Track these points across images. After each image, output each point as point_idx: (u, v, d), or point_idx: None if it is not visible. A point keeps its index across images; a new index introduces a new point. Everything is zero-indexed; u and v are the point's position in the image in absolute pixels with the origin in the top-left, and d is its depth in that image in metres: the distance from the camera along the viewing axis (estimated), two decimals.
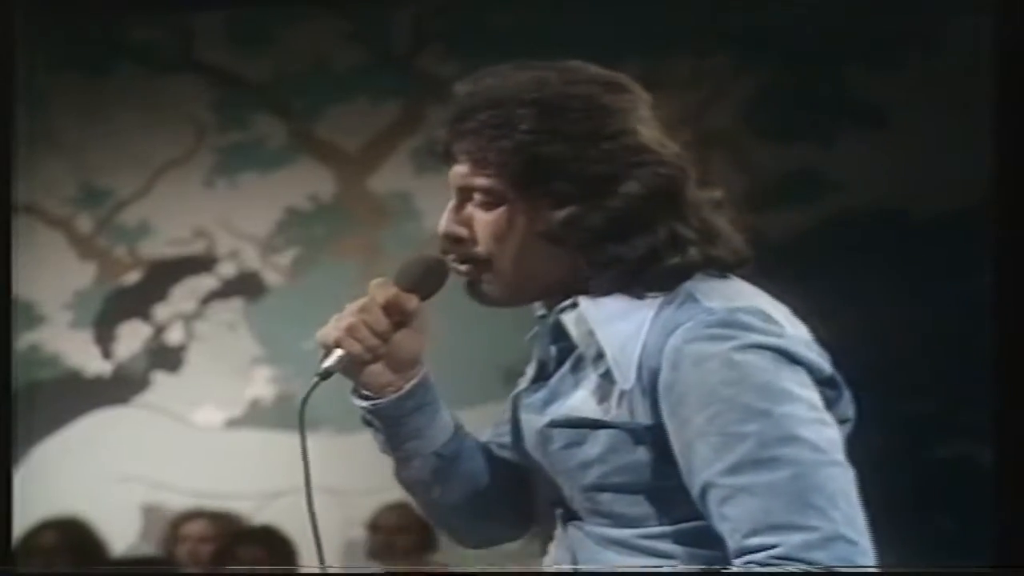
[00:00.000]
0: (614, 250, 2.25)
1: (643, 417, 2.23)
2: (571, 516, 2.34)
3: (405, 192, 6.51)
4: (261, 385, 6.62)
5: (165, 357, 6.72)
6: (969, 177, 5.91)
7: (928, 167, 6.04)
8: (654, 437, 2.23)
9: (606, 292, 2.28)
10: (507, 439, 2.43)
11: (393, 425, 2.35)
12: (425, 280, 2.34)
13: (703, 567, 2.21)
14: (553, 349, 2.36)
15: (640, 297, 2.26)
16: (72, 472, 6.54)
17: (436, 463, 2.39)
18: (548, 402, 2.33)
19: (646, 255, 2.25)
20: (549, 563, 2.41)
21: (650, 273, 2.26)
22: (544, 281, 2.32)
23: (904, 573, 2.91)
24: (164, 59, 6.78)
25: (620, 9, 6.21)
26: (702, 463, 2.19)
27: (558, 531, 2.37)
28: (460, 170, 2.28)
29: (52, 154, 6.77)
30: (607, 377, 2.26)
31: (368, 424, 2.37)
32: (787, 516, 2.16)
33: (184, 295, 6.74)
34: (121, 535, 5.79)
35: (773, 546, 2.15)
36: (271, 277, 6.71)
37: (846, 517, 2.15)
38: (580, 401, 2.29)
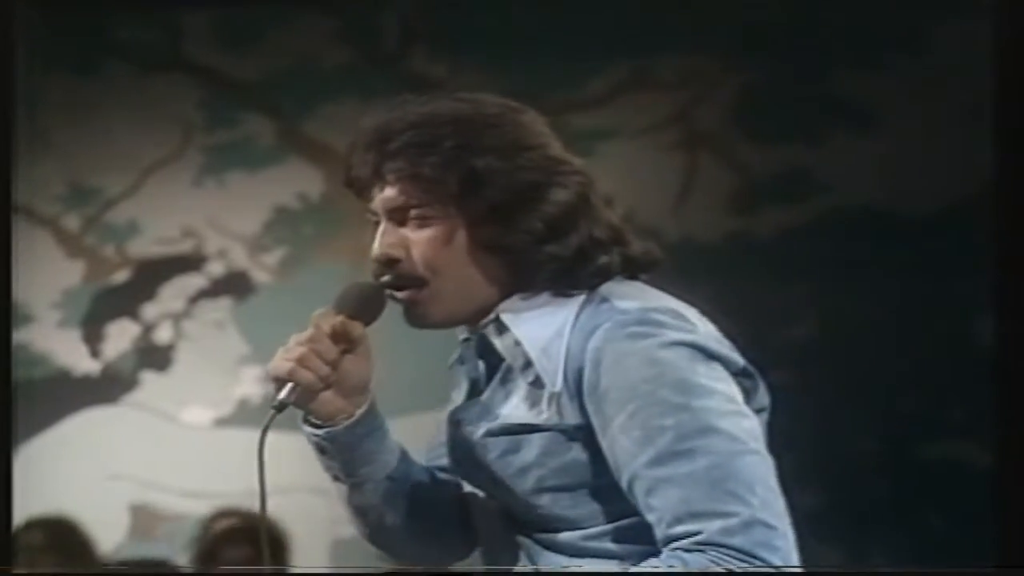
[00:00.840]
0: (551, 250, 2.32)
1: (572, 418, 2.29)
2: (517, 529, 2.38)
3: None
4: (249, 384, 6.63)
5: (153, 356, 6.70)
6: (956, 178, 6.01)
7: (915, 168, 6.04)
8: (585, 436, 2.30)
9: (536, 294, 2.35)
10: (444, 461, 2.46)
11: (347, 451, 2.38)
12: (367, 307, 2.38)
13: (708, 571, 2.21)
14: (482, 365, 2.43)
15: (566, 296, 2.34)
16: (60, 471, 6.54)
17: (388, 486, 2.42)
18: (482, 416, 2.37)
19: (577, 255, 2.32)
20: None
21: (581, 272, 2.33)
22: (480, 298, 2.35)
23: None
24: (152, 58, 6.77)
25: (607, 10, 6.22)
26: (627, 457, 2.26)
27: (509, 548, 2.40)
28: (390, 193, 2.34)
29: (39, 152, 6.75)
30: (536, 383, 2.32)
31: (322, 452, 2.39)
32: (707, 504, 2.22)
33: (172, 294, 6.72)
34: (110, 534, 5.80)
35: (696, 533, 2.20)
36: (259, 276, 6.71)
37: (764, 502, 2.22)
38: (512, 408, 2.35)
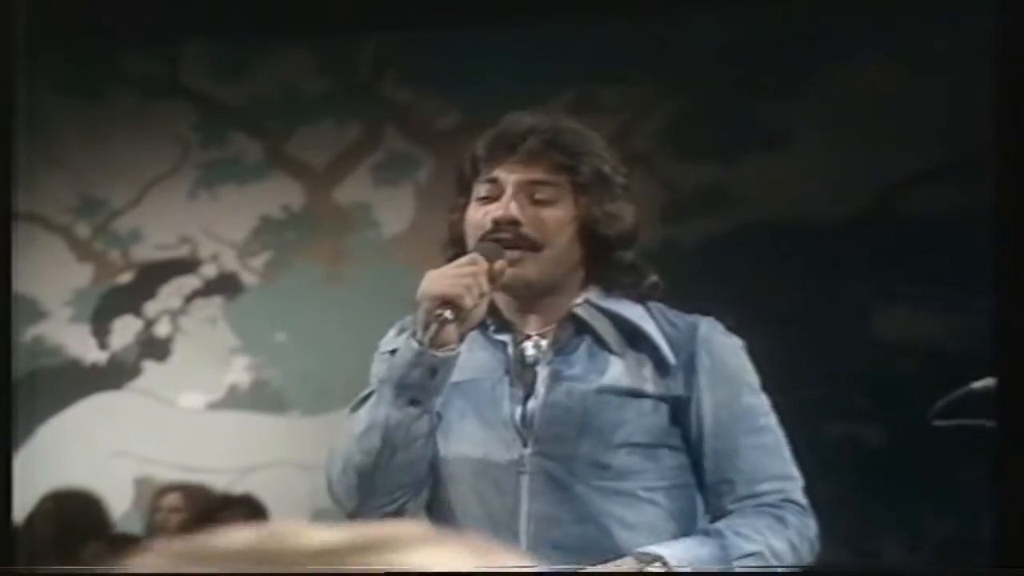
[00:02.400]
0: (620, 256, 2.51)
1: (677, 389, 2.48)
2: (577, 478, 2.45)
3: (365, 203, 6.53)
4: (238, 372, 6.60)
5: (154, 348, 6.70)
6: (856, 190, 6.02)
7: (820, 183, 6.04)
8: (676, 405, 2.49)
9: (609, 292, 2.52)
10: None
11: (446, 377, 2.44)
12: (499, 259, 2.46)
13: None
14: (567, 333, 2.51)
15: (631, 300, 2.51)
16: (72, 449, 6.54)
17: (434, 423, 2.48)
18: (586, 376, 2.48)
19: (633, 266, 2.53)
20: (525, 515, 2.46)
21: (643, 284, 2.53)
22: (562, 276, 2.50)
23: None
24: (153, 85, 6.77)
25: (556, 45, 6.20)
26: (723, 426, 2.48)
27: (522, 489, 2.45)
28: (530, 171, 2.47)
29: (54, 169, 6.73)
30: (641, 356, 2.48)
31: (434, 373, 2.42)
32: (783, 469, 2.50)
33: (171, 293, 6.72)
34: (116, 504, 5.80)
35: (780, 490, 2.46)
36: (247, 278, 6.69)
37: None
38: (618, 375, 2.48)
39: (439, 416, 2.48)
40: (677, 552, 2.41)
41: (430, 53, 6.37)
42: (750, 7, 6.06)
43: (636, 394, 2.46)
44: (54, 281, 6.76)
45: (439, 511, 2.51)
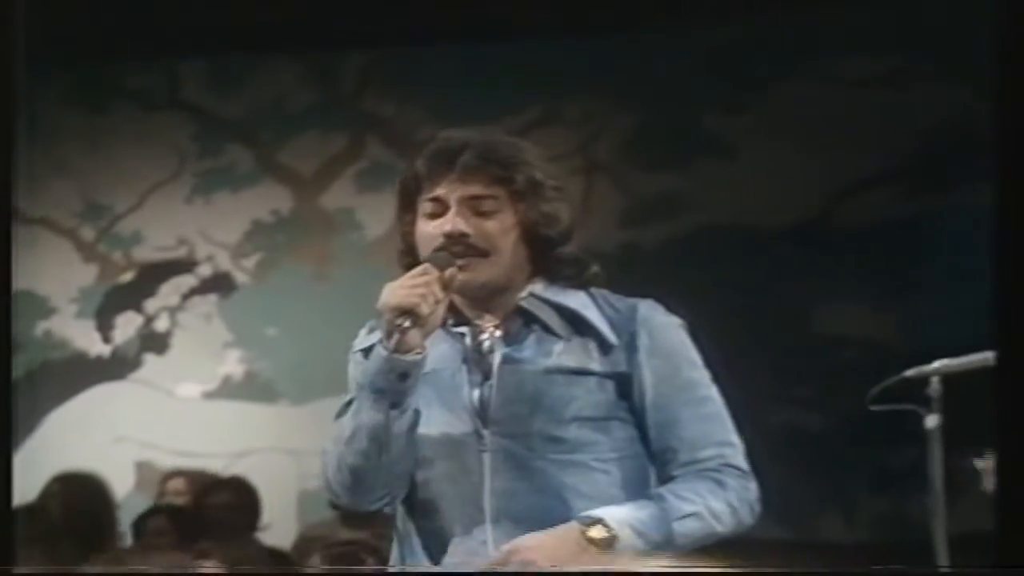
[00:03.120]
0: (565, 251, 2.48)
1: (620, 366, 2.44)
2: (536, 455, 2.41)
3: (349, 208, 6.52)
4: (232, 364, 6.59)
5: (153, 341, 6.68)
6: (799, 197, 6.01)
7: (767, 190, 6.04)
8: (620, 380, 2.45)
9: (552, 283, 2.48)
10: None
11: (414, 379, 2.41)
12: (450, 267, 2.43)
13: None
14: (517, 324, 2.47)
15: (575, 288, 2.48)
16: (78, 435, 6.51)
17: (413, 419, 2.44)
18: (535, 359, 2.45)
19: (577, 258, 2.49)
20: (488, 489, 2.42)
21: (586, 273, 2.49)
22: (511, 276, 2.47)
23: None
24: (153, 99, 6.75)
25: (524, 62, 6.20)
26: (665, 399, 2.43)
27: (484, 467, 2.42)
28: (468, 187, 2.45)
29: (61, 177, 6.72)
30: (587, 339, 2.45)
31: (405, 377, 2.39)
32: (723, 435, 2.45)
33: (169, 291, 6.69)
34: (119, 486, 5.77)
35: (719, 456, 2.42)
36: (240, 277, 6.68)
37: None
38: (562, 356, 2.45)
39: (416, 412, 2.45)
40: (617, 514, 2.38)
41: (409, 70, 6.33)
42: (702, 30, 6.06)
43: (582, 372, 2.44)
44: (62, 280, 6.73)
45: (417, 491, 2.47)
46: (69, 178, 6.74)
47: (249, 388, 6.51)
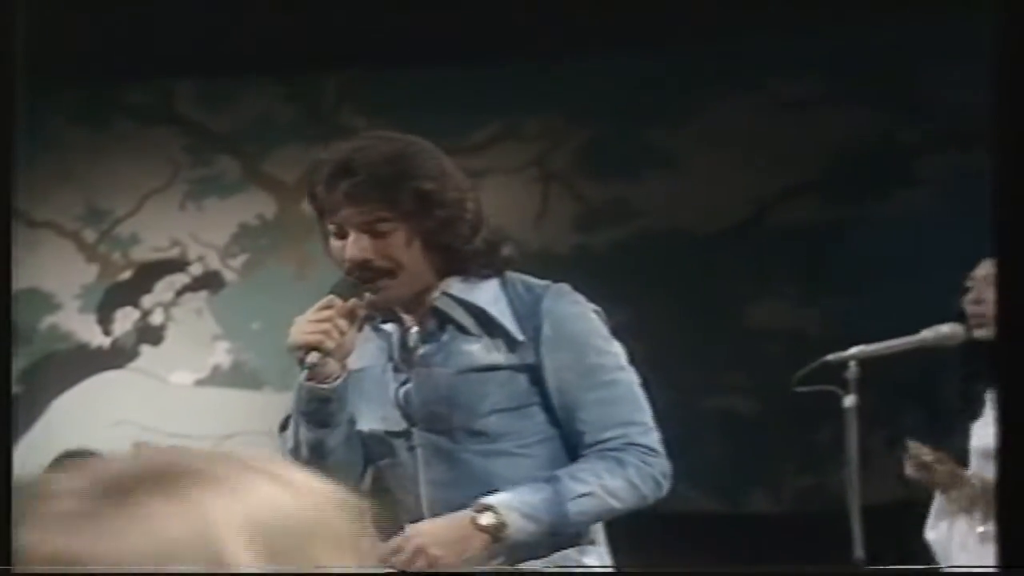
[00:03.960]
0: (473, 247, 2.37)
1: (528, 358, 2.35)
2: (461, 447, 2.35)
3: None
4: (220, 355, 6.59)
5: (149, 334, 6.67)
6: (733, 204, 6.04)
7: (704, 197, 6.07)
8: (531, 371, 2.35)
9: (467, 277, 2.38)
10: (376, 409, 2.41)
11: (340, 401, 2.35)
12: (355, 295, 2.34)
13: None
14: (415, 329, 2.39)
15: (486, 278, 2.38)
16: (82, 418, 6.50)
17: (347, 431, 2.39)
18: (447, 360, 2.36)
19: (488, 249, 2.39)
20: (426, 481, 2.35)
21: (494, 262, 2.39)
22: (425, 282, 2.36)
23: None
24: (149, 114, 6.74)
25: (487, 82, 6.21)
26: (570, 385, 2.34)
27: (417, 462, 2.36)
28: (359, 211, 2.28)
29: (65, 184, 6.70)
30: (494, 335, 2.36)
31: (328, 402, 2.32)
32: (627, 416, 2.35)
33: (164, 288, 6.68)
34: None
35: (622, 435, 2.33)
36: (228, 275, 6.67)
37: (650, 416, 2.37)
38: (475, 354, 2.36)
39: (351, 422, 2.38)
40: (507, 499, 2.28)
41: (381, 89, 6.28)
42: (647, 54, 6.05)
43: (492, 368, 2.34)
44: (65, 278, 6.71)
45: (369, 479, 2.44)
46: (73, 185, 6.72)
47: (236, 376, 6.50)
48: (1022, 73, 1.69)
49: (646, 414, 2.36)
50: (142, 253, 6.72)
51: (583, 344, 2.36)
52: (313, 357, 2.29)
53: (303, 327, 2.31)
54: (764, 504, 5.75)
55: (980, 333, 3.39)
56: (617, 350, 2.39)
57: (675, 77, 6.11)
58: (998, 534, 1.84)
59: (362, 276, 2.32)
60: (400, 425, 2.39)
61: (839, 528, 3.34)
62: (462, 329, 2.37)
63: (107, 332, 6.69)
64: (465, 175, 2.43)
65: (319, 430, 2.37)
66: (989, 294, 3.37)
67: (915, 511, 3.76)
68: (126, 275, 6.74)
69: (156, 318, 6.69)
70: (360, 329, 2.38)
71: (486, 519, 2.27)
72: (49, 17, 5.23)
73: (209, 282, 6.68)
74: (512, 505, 2.28)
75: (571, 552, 2.36)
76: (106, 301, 6.72)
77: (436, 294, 2.37)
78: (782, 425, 5.44)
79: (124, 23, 5.59)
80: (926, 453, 3.54)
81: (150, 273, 6.71)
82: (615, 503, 2.32)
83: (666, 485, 2.37)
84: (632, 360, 2.47)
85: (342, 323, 2.31)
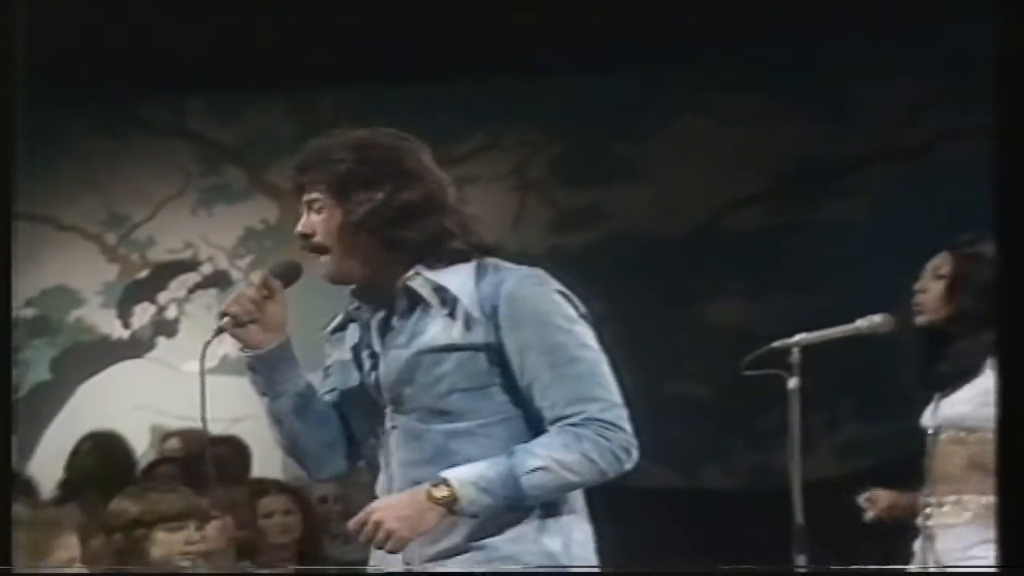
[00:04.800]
0: (401, 234, 2.23)
1: (485, 338, 2.21)
2: (424, 426, 2.24)
3: None
4: (229, 346, 6.35)
5: (165, 327, 6.66)
6: (693, 210, 6.03)
7: (667, 204, 6.07)
8: (490, 351, 2.22)
9: (438, 263, 2.25)
10: (337, 391, 2.33)
11: (266, 371, 2.31)
12: (285, 271, 2.30)
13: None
14: (381, 312, 2.29)
15: (459, 263, 2.25)
16: (104, 402, 6.49)
17: (296, 402, 2.31)
18: (409, 341, 2.26)
19: (430, 239, 2.25)
20: (396, 461, 2.26)
21: (442, 252, 2.25)
22: (371, 266, 2.26)
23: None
24: (165, 129, 6.72)
25: (470, 98, 6.20)
26: (531, 363, 2.20)
27: (392, 442, 2.27)
28: (309, 192, 2.27)
29: (89, 192, 6.69)
30: (453, 315, 2.23)
31: (251, 369, 2.33)
32: (587, 393, 2.18)
33: (177, 286, 6.67)
34: (137, 445, 5.65)
35: (581, 412, 2.17)
36: (235, 274, 6.65)
37: (616, 394, 2.21)
38: (435, 334, 2.24)
39: (298, 395, 2.31)
40: (463, 473, 2.17)
41: (376, 103, 6.20)
42: (615, 75, 6.02)
43: (449, 348, 2.21)
44: (89, 276, 6.70)
45: (371, 460, 2.35)
46: (96, 193, 6.71)
47: (242, 365, 6.39)
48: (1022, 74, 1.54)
49: (609, 392, 2.20)
50: (158, 254, 6.71)
51: (543, 323, 2.20)
52: (223, 321, 2.29)
53: (231, 296, 2.31)
54: (716, 480, 5.76)
55: (921, 320, 3.35)
56: (581, 330, 2.23)
57: (640, 97, 6.11)
58: (998, 534, 1.71)
59: (310, 250, 2.29)
60: (379, 407, 2.29)
61: (784, 499, 3.33)
62: (427, 309, 2.24)
63: (126, 325, 6.68)
64: (434, 171, 2.30)
65: (261, 398, 2.34)
66: (933, 285, 3.34)
67: (850, 484, 3.71)
68: (143, 274, 6.73)
69: (170, 313, 6.69)
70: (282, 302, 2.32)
71: (440, 492, 2.16)
72: (74, 41, 5.26)
73: (218, 280, 6.66)
74: (467, 479, 2.16)
75: (529, 531, 2.22)
76: (125, 297, 6.70)
77: (410, 273, 2.25)
78: (734, 407, 5.44)
79: (142, 45, 5.55)
80: (881, 499, 3.44)
81: (165, 272, 6.70)
82: (571, 477, 2.18)
83: (628, 460, 2.20)
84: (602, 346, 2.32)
85: (252, 292, 2.28)
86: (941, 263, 3.36)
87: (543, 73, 6.05)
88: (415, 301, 2.27)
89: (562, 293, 2.25)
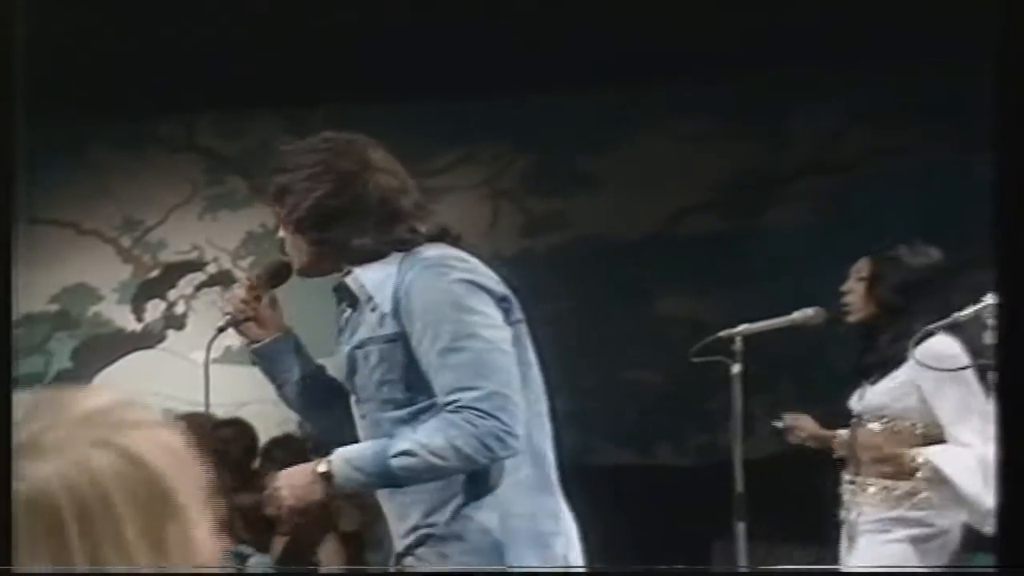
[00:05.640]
0: (326, 235, 2.19)
1: (392, 328, 2.14)
2: (371, 412, 2.19)
3: None
4: (231, 338, 6.40)
5: (174, 321, 6.66)
6: (647, 217, 6.05)
7: (623, 211, 6.08)
8: (402, 342, 2.14)
9: (372, 260, 2.17)
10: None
11: (268, 362, 2.32)
12: (273, 273, 2.33)
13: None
14: (344, 305, 2.24)
15: (389, 254, 2.16)
16: (120, 389, 6.37)
17: (300, 387, 2.30)
18: (350, 337, 2.22)
19: (353, 239, 2.17)
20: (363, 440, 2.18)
21: (365, 251, 2.17)
22: (320, 262, 2.21)
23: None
24: (174, 144, 6.72)
25: (448, 116, 6.19)
26: (425, 351, 2.10)
27: (360, 430, 2.21)
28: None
29: (107, 199, 6.69)
30: (373, 310, 2.16)
31: (253, 362, 2.35)
32: (466, 382, 2.06)
33: (185, 284, 6.67)
34: None
35: (457, 400, 2.06)
36: (237, 274, 6.57)
37: (502, 382, 2.06)
38: (364, 330, 2.19)
39: (300, 380, 2.26)
40: (344, 450, 2.11)
41: (360, 120, 6.08)
42: (578, 95, 6.00)
43: (371, 342, 2.15)
44: (107, 275, 6.70)
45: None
46: (112, 200, 6.70)
47: (243, 356, 6.16)
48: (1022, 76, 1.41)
49: (489, 380, 2.05)
50: (168, 256, 6.72)
51: (435, 312, 2.08)
52: (221, 321, 2.34)
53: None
54: (667, 457, 5.76)
55: (851, 318, 3.41)
56: (472, 319, 2.08)
57: (600, 117, 6.12)
58: (998, 534, 1.54)
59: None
60: (351, 398, 2.25)
61: (729, 472, 3.33)
62: (361, 306, 2.17)
63: (140, 319, 6.69)
64: (380, 169, 2.21)
65: (270, 384, 2.33)
66: (856, 286, 3.39)
67: (787, 460, 3.79)
68: (155, 273, 6.72)
69: (179, 308, 6.69)
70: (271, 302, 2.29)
71: (322, 467, 2.12)
72: (95, 66, 5.28)
73: (222, 279, 6.63)
74: (345, 456, 2.11)
75: (468, 509, 2.13)
76: (139, 294, 6.71)
77: (344, 273, 2.19)
78: (684, 392, 5.47)
79: (154, 70, 5.56)
80: (801, 423, 3.48)
81: (174, 272, 6.70)
82: (437, 461, 2.06)
83: (502, 448, 2.05)
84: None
85: (241, 293, 2.32)
86: (862, 267, 3.44)
87: (514, 96, 6.07)
88: (354, 298, 2.20)
89: (468, 282, 2.11)
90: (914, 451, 3.24)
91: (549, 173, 6.27)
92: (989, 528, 2.98)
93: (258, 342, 2.33)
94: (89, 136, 6.50)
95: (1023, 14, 1.44)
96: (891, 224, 4.55)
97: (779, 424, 3.46)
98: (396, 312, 2.13)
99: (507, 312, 2.16)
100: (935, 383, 3.07)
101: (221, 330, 2.33)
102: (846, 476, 3.37)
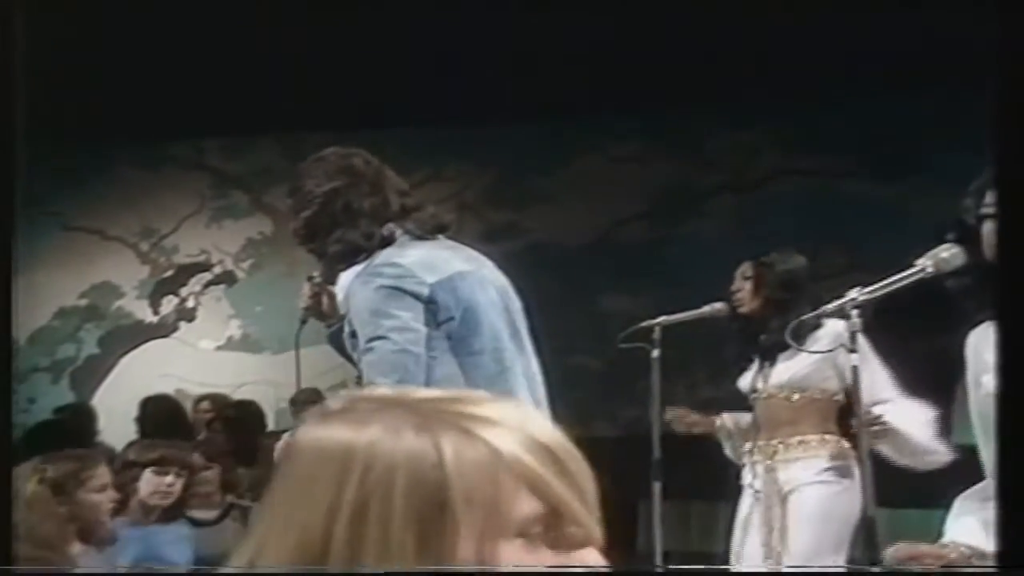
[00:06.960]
0: (313, 245, 2.15)
1: (349, 327, 2.14)
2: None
3: None
4: (234, 329, 6.58)
5: (185, 314, 6.69)
6: (592, 225, 6.10)
7: (573, 221, 6.11)
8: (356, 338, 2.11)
9: (343, 267, 2.16)
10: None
11: (336, 344, 2.24)
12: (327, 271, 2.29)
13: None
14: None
15: (355, 263, 2.13)
16: (140, 371, 6.51)
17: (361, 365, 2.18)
18: (348, 327, 2.19)
19: (333, 248, 2.13)
20: None
21: (344, 258, 2.16)
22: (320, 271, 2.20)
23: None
24: (186, 163, 6.77)
25: (416, 142, 6.14)
26: (358, 350, 2.10)
27: None
28: None
29: (128, 211, 6.73)
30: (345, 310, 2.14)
31: (329, 344, 2.26)
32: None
33: (195, 283, 6.71)
34: None
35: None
36: (239, 274, 6.70)
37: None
38: (347, 324, 2.17)
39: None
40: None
41: (348, 144, 6.30)
42: (532, 121, 6.02)
43: (347, 335, 2.13)
44: (128, 275, 6.73)
45: None
46: (133, 211, 6.73)
47: (245, 344, 6.47)
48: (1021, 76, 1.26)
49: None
50: (180, 258, 6.73)
51: (359, 316, 2.06)
52: (303, 313, 2.33)
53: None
54: (603, 430, 5.69)
55: (742, 310, 3.48)
56: (384, 323, 2.02)
57: (550, 140, 6.17)
58: (998, 534, 1.35)
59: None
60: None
61: (647, 446, 3.36)
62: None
63: (156, 312, 6.71)
64: (325, 177, 2.15)
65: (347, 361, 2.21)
66: (744, 285, 3.48)
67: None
68: (169, 273, 6.74)
69: (190, 303, 6.70)
70: (330, 297, 2.24)
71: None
72: (120, 94, 5.35)
73: (226, 278, 6.67)
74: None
75: None
76: (155, 291, 6.73)
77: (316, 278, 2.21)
78: (619, 375, 5.44)
79: (170, 101, 5.61)
80: (684, 415, 3.47)
81: (185, 272, 6.71)
82: None
83: None
84: (521, 335, 2.22)
85: (308, 289, 2.31)
86: (746, 269, 3.54)
87: (476, 124, 6.08)
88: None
89: (390, 287, 2.05)
90: (868, 408, 3.17)
91: (506, 189, 6.33)
92: (930, 467, 3.00)
93: (327, 327, 2.28)
94: (114, 156, 6.56)
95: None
96: (786, 234, 4.67)
97: (668, 417, 3.52)
98: (348, 313, 2.13)
99: (434, 313, 2.10)
100: (849, 358, 3.15)
101: (303, 323, 2.31)
102: (749, 446, 3.34)
